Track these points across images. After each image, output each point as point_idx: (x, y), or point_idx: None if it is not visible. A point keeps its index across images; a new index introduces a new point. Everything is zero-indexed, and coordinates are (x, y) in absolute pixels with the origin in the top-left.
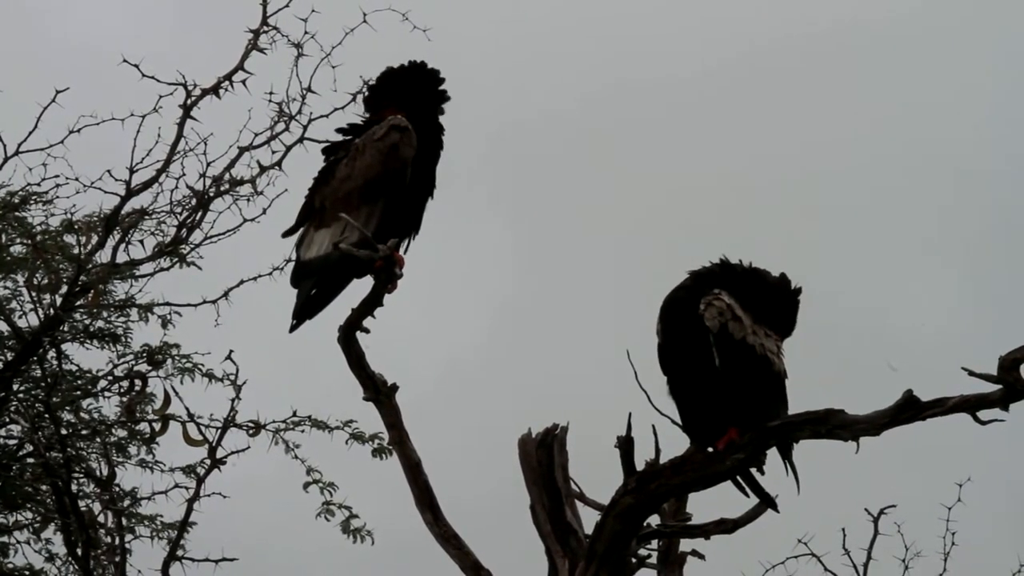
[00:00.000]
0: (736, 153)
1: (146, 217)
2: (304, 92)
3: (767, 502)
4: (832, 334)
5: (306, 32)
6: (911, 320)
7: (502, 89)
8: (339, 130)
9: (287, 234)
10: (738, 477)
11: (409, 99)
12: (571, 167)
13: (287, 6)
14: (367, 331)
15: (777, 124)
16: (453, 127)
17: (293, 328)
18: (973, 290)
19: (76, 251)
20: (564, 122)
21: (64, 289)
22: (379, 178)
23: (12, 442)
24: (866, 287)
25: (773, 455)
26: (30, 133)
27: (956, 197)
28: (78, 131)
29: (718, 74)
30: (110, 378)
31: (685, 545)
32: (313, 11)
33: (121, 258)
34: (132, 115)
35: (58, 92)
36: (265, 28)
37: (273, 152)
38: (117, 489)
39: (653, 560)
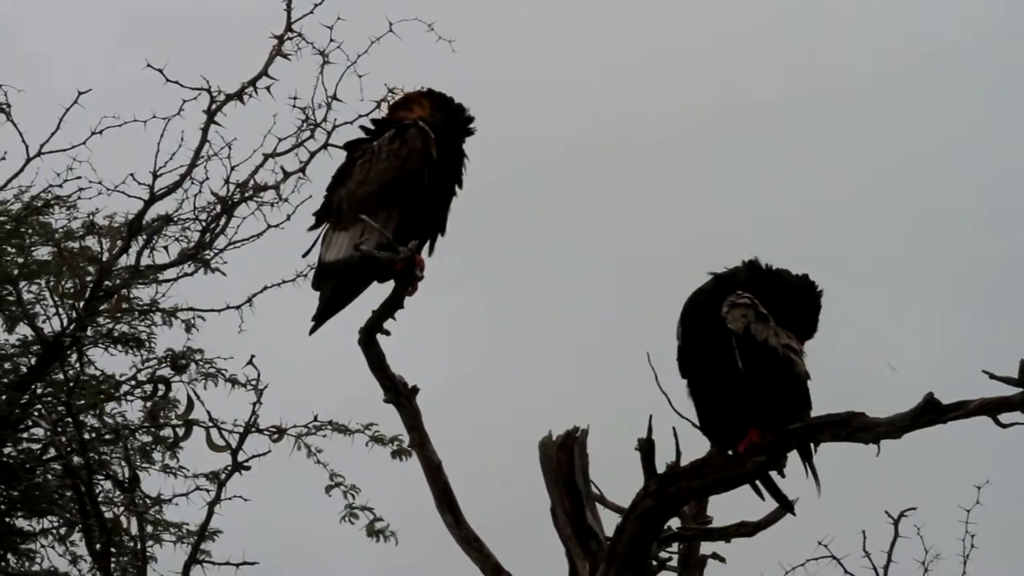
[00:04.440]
0: (724, 213)
1: (170, 223)
2: (329, 100)
3: (784, 505)
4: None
5: (332, 40)
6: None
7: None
8: (363, 128)
9: (312, 229)
10: (756, 480)
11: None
12: (560, 218)
13: (311, 12)
14: (388, 333)
15: (767, 186)
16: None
17: (312, 330)
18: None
19: (99, 254)
20: (557, 171)
21: (87, 293)
22: (395, 182)
23: (36, 446)
24: (854, 339)
25: (792, 457)
26: (52, 134)
27: (950, 247)
28: (100, 132)
29: (711, 132)
30: (133, 383)
31: (705, 548)
32: (339, 18)
33: (145, 263)
34: (154, 117)
35: (80, 93)
36: (289, 35)
37: (299, 160)
38: (140, 494)
39: (674, 563)
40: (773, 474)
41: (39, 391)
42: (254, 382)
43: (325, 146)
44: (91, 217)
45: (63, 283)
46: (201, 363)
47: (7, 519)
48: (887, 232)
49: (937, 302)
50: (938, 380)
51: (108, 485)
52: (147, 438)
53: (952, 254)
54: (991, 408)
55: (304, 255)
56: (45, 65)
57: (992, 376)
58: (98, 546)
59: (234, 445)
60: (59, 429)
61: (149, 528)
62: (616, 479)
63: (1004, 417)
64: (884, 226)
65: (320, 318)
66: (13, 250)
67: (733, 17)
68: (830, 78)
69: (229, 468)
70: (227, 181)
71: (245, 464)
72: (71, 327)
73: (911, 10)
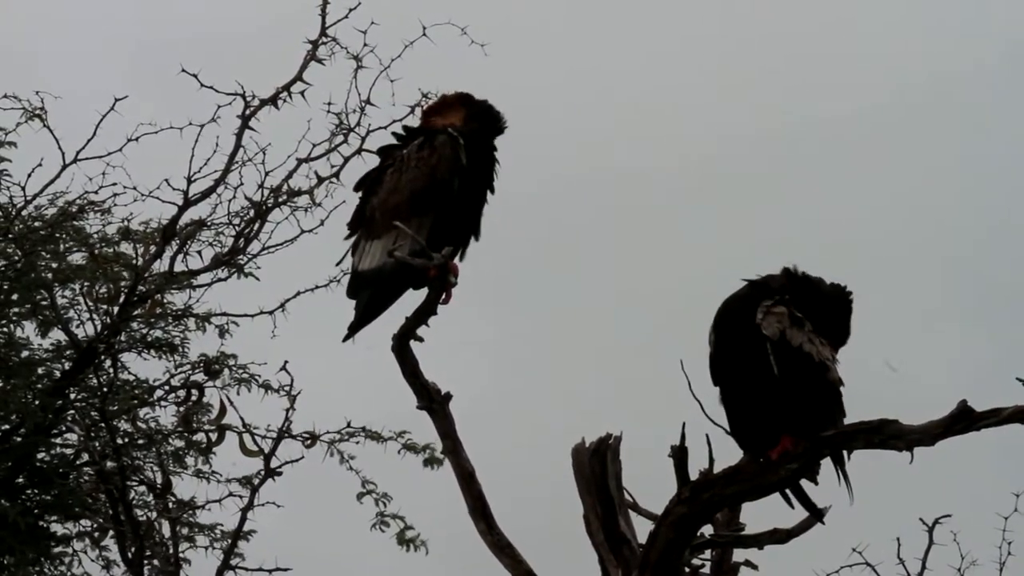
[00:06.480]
0: (725, 226)
1: (204, 228)
2: (363, 104)
3: (814, 514)
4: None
5: (365, 44)
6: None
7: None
8: (395, 134)
9: (347, 239)
10: (788, 487)
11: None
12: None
13: (346, 17)
14: (421, 340)
15: (761, 219)
16: None
17: (346, 338)
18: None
19: (134, 260)
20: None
21: (122, 299)
22: (426, 190)
23: (69, 451)
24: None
25: (825, 464)
26: (89, 141)
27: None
28: (136, 139)
29: (701, 166)
30: (167, 388)
31: (738, 555)
32: (372, 23)
33: (179, 268)
34: (190, 124)
35: (117, 100)
36: (324, 39)
37: (332, 165)
38: (173, 499)
39: (706, 570)
40: (804, 482)
41: (73, 396)
42: (287, 388)
43: (359, 151)
44: (125, 222)
45: (97, 288)
46: (234, 368)
47: (41, 523)
48: (892, 239)
49: (948, 315)
50: (958, 387)
51: (141, 489)
52: (180, 443)
53: (962, 266)
54: None
55: (337, 263)
56: (70, 99)
57: None
58: (131, 550)
59: (267, 450)
60: (92, 434)
61: (184, 531)
62: (649, 486)
63: None
64: (888, 233)
65: (356, 327)
66: (48, 255)
67: (730, 32)
68: (833, 99)
69: (262, 473)
70: (261, 186)
71: (278, 470)
72: (105, 332)
73: (920, 30)
